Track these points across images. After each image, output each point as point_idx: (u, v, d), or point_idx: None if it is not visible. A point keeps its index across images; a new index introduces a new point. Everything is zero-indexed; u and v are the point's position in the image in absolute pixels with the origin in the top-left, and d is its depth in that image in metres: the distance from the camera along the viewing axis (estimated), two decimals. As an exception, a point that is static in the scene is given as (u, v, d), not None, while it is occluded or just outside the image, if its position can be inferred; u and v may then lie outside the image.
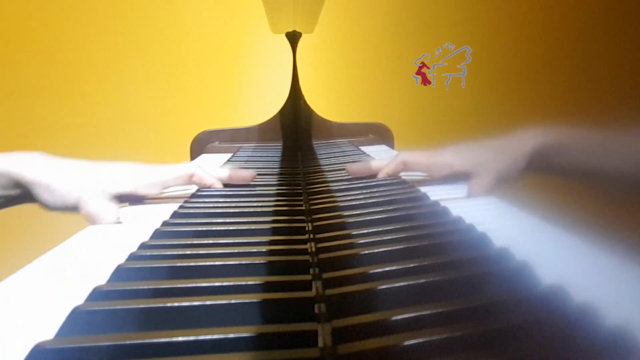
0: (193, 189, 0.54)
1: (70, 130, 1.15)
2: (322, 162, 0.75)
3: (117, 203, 0.47)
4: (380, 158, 0.60)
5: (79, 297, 0.25)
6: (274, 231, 0.37)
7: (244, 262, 0.29)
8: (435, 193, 0.47)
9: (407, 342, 0.20)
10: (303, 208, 0.45)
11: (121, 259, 0.31)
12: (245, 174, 0.55)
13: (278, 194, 0.51)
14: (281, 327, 0.22)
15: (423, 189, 0.48)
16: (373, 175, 0.56)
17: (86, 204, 0.44)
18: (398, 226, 0.36)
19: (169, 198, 0.52)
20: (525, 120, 0.52)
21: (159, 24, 1.22)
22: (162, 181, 0.50)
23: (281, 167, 0.71)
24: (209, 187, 0.53)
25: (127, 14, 1.21)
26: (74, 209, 0.45)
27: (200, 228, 0.38)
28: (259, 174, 0.63)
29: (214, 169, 0.55)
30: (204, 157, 0.91)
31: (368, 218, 0.38)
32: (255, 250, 0.33)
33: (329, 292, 0.25)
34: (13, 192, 0.45)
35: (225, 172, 0.55)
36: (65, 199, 0.44)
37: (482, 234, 0.32)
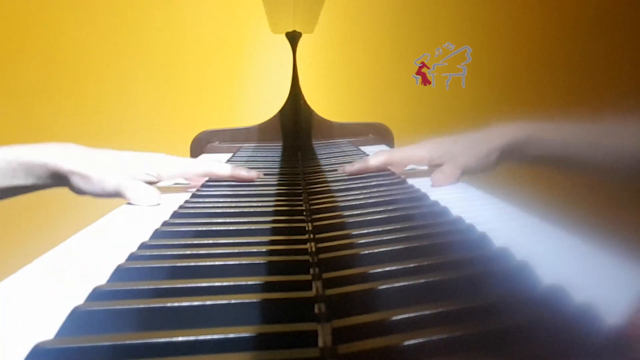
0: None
1: (70, 130, 1.15)
2: (322, 162, 0.75)
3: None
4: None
5: (79, 297, 0.25)
6: (274, 231, 0.37)
7: (244, 262, 0.29)
8: (440, 193, 0.47)
9: (407, 342, 0.20)
10: (303, 208, 0.45)
11: (121, 259, 0.31)
12: (249, 175, 0.58)
13: (278, 194, 0.51)
14: (281, 327, 0.22)
15: (423, 189, 0.48)
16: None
17: (127, 189, 0.48)
18: (398, 226, 0.36)
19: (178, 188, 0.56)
20: (525, 120, 0.54)
21: (159, 24, 1.22)
22: (181, 173, 0.55)
23: (281, 167, 0.71)
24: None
25: (127, 14, 1.21)
26: (112, 195, 0.49)
27: (200, 228, 0.38)
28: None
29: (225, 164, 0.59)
30: (204, 157, 0.91)
31: (368, 218, 0.38)
32: (255, 250, 0.33)
33: (329, 292, 0.25)
34: (49, 181, 0.49)
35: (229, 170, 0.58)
36: (102, 186, 0.48)
37: (482, 234, 0.32)
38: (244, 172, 0.57)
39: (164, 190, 0.53)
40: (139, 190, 0.49)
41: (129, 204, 0.49)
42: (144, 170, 0.51)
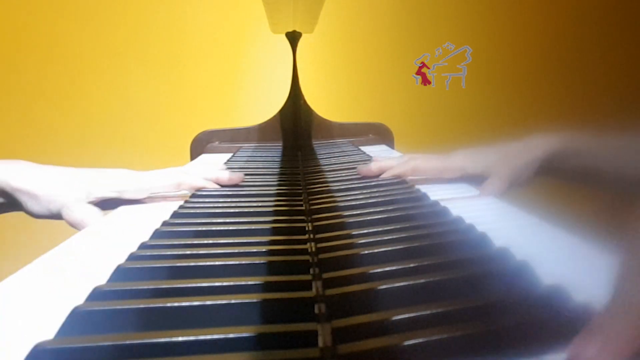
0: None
1: (70, 130, 1.15)
2: (322, 162, 0.75)
3: (102, 209, 0.47)
4: (389, 157, 0.59)
5: (79, 297, 0.25)
6: (274, 231, 0.37)
7: (244, 262, 0.29)
8: (440, 193, 0.47)
9: (407, 342, 0.20)
10: (303, 208, 0.45)
11: (121, 259, 0.31)
12: (232, 176, 0.55)
13: (278, 194, 0.51)
14: (281, 327, 0.22)
15: (423, 189, 0.48)
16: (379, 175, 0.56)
17: (69, 210, 0.44)
18: (398, 226, 0.36)
19: (170, 197, 0.52)
20: (525, 120, 0.53)
21: (159, 24, 1.22)
22: (147, 188, 0.50)
23: (281, 167, 0.71)
24: (201, 189, 0.53)
25: (127, 14, 1.21)
26: (58, 216, 0.45)
27: (200, 228, 0.38)
28: (259, 174, 0.63)
29: (204, 169, 0.55)
30: (204, 157, 0.91)
31: (368, 218, 0.38)
32: (255, 250, 0.33)
33: (329, 292, 0.25)
34: None
35: (214, 174, 0.55)
36: (49, 206, 0.44)
37: (482, 234, 0.32)
38: (223, 177, 0.53)
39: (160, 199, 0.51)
40: (76, 211, 0.44)
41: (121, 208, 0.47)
42: (104, 185, 0.47)
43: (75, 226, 0.44)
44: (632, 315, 0.19)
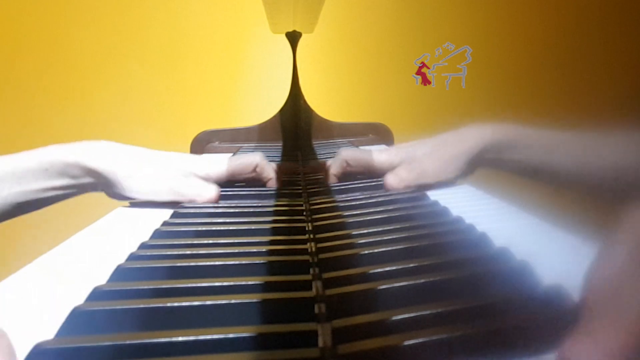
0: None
1: (69, 130, 1.15)
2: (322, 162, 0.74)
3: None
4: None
5: (79, 297, 0.25)
6: (274, 231, 0.37)
7: (244, 262, 0.29)
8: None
9: (407, 342, 0.20)
10: (303, 208, 0.45)
11: (121, 259, 0.31)
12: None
13: (278, 194, 0.51)
14: (281, 327, 0.22)
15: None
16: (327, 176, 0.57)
17: (183, 187, 0.47)
18: (398, 226, 0.36)
19: None
20: (525, 120, 0.52)
21: (159, 23, 1.22)
22: (230, 168, 0.52)
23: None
24: (267, 181, 0.54)
25: (127, 14, 1.21)
26: (163, 196, 0.47)
27: (200, 228, 0.38)
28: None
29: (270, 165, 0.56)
30: (204, 158, 0.91)
31: (368, 218, 0.38)
32: (255, 250, 0.33)
33: (329, 292, 0.25)
34: (85, 180, 0.46)
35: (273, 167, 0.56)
36: (154, 188, 0.46)
37: (482, 234, 0.32)
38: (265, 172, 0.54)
39: None
40: (195, 186, 0.47)
41: (174, 204, 0.47)
42: (191, 171, 0.49)
43: (195, 200, 0.47)
44: (623, 319, 0.18)
